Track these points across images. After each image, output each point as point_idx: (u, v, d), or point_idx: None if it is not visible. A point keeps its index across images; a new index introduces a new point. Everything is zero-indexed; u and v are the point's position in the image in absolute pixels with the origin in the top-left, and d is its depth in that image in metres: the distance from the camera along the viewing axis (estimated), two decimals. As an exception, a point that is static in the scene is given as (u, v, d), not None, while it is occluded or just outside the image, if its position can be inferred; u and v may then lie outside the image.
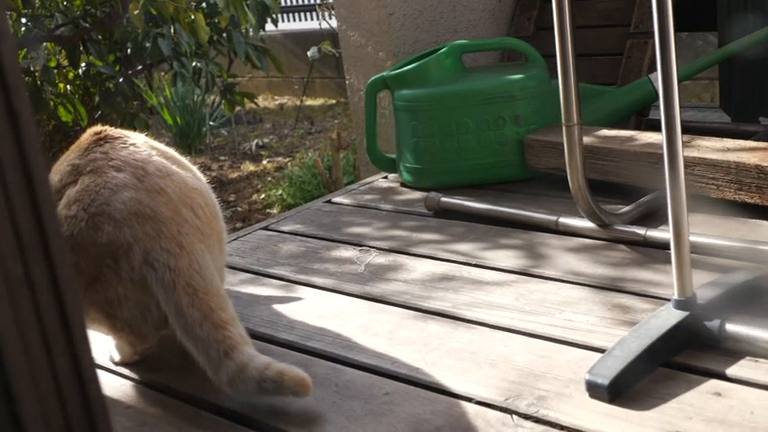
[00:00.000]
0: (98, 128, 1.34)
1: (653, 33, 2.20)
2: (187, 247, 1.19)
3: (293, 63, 6.04)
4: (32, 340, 0.50)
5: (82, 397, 0.54)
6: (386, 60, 2.40)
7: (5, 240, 0.49)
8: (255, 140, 4.88)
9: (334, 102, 5.87)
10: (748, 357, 1.19)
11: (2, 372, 0.47)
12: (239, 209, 3.67)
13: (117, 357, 1.38)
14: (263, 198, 3.79)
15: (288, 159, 4.41)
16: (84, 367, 0.53)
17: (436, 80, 2.12)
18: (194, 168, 1.40)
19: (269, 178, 4.11)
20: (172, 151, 1.39)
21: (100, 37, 3.84)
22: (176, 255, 1.18)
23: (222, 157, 4.71)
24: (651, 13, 2.27)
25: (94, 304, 1.22)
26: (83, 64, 3.84)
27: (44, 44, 3.84)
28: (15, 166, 0.50)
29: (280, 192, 3.69)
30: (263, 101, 5.99)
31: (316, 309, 1.54)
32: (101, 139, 1.29)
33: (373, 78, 2.21)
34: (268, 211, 3.63)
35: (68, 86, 3.97)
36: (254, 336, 1.44)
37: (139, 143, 1.31)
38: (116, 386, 1.33)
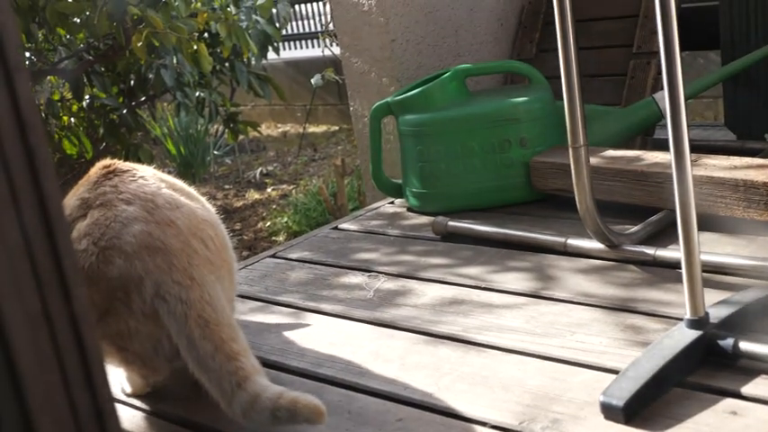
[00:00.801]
0: (107, 161, 1.34)
1: (656, 53, 2.21)
2: (198, 278, 1.19)
3: (295, 90, 6.07)
4: (51, 374, 0.50)
5: (97, 416, 0.53)
6: (389, 86, 2.41)
7: (24, 276, 0.49)
8: (259, 168, 4.89)
9: (336, 128, 5.90)
10: (763, 375, 1.18)
11: (23, 406, 0.47)
12: (245, 237, 3.68)
13: (128, 389, 1.37)
14: (268, 226, 3.79)
15: (292, 187, 4.42)
16: (102, 402, 0.53)
17: (440, 104, 2.13)
18: (203, 199, 1.41)
19: (274, 206, 4.11)
20: (180, 183, 1.39)
21: (103, 69, 3.86)
22: (187, 287, 1.18)
23: (227, 186, 4.72)
24: (653, 33, 2.30)
25: (106, 337, 1.22)
26: (86, 96, 3.87)
27: (48, 77, 3.87)
28: (32, 201, 0.51)
29: (285, 219, 3.70)
30: (265, 129, 6.01)
31: (326, 335, 1.53)
32: (110, 173, 1.29)
33: (377, 104, 2.22)
34: (274, 238, 3.64)
35: (72, 119, 3.99)
36: (265, 364, 1.43)
37: (148, 176, 1.31)
38: (128, 417, 1.33)
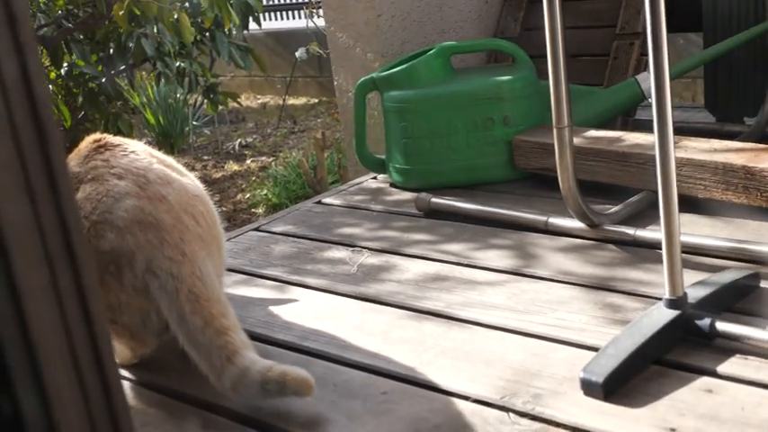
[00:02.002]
0: (97, 135, 1.34)
1: (639, 34, 2.22)
2: (189, 254, 1.20)
3: (275, 62, 6.04)
4: (61, 347, 0.51)
5: (107, 400, 0.55)
6: (374, 61, 2.42)
7: (34, 250, 0.50)
8: (239, 140, 4.87)
9: (316, 101, 5.88)
10: (738, 355, 1.21)
11: (37, 374, 0.48)
12: (224, 208, 3.67)
13: (116, 360, 1.38)
14: (248, 198, 3.79)
15: (272, 159, 4.41)
16: (109, 375, 0.55)
17: (425, 81, 2.14)
18: (191, 175, 1.41)
19: (253, 178, 4.11)
20: (170, 159, 1.39)
21: (82, 37, 3.82)
22: (179, 262, 1.19)
23: (206, 157, 4.70)
24: (637, 14, 2.32)
25: None
26: (65, 64, 3.83)
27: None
28: (42, 175, 0.51)
29: (265, 191, 3.70)
30: (245, 100, 5.98)
31: (310, 309, 1.55)
32: (101, 147, 1.30)
33: (362, 80, 2.23)
34: (253, 210, 3.64)
35: (51, 87, 3.95)
36: (251, 336, 1.44)
37: (139, 150, 1.31)
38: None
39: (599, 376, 1.16)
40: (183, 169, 1.40)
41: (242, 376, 1.14)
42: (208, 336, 1.16)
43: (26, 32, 0.52)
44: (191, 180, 1.37)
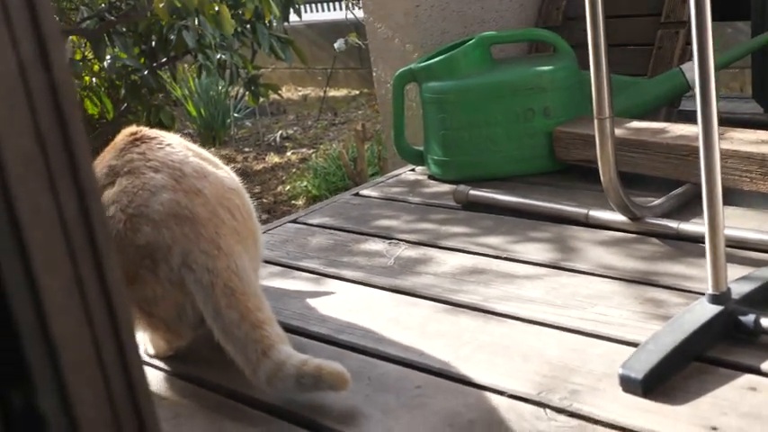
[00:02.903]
0: (133, 128, 1.34)
1: (684, 23, 2.17)
2: (225, 248, 1.20)
3: (316, 54, 6.04)
4: (84, 343, 0.51)
5: (132, 398, 0.54)
6: (413, 52, 2.40)
7: (58, 246, 0.49)
8: (279, 132, 4.88)
9: (357, 92, 5.87)
10: (784, 352, 1.18)
11: (57, 372, 0.48)
12: (265, 200, 3.69)
13: (151, 351, 1.39)
14: (288, 189, 3.80)
15: (312, 151, 4.42)
16: (133, 371, 0.54)
17: (464, 72, 2.12)
18: (227, 168, 1.41)
19: (293, 170, 4.12)
20: (206, 152, 1.39)
21: (125, 29, 3.85)
22: (215, 256, 1.19)
23: (247, 149, 4.72)
24: (682, 2, 2.26)
25: (132, 302, 1.23)
26: (108, 57, 3.86)
27: (70, 37, 3.86)
28: (66, 171, 0.51)
29: (305, 183, 3.70)
30: (286, 92, 6.00)
31: (346, 302, 1.54)
32: (137, 140, 1.30)
33: (401, 71, 2.21)
34: (293, 202, 3.64)
35: (94, 79, 3.99)
36: (286, 329, 1.44)
37: (175, 143, 1.31)
38: (150, 378, 1.34)
39: (639, 372, 1.14)
40: (219, 162, 1.40)
41: (277, 370, 1.13)
42: (243, 330, 1.16)
43: (48, 20, 0.51)
44: (226, 173, 1.36)
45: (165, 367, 1.37)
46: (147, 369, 1.38)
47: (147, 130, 1.33)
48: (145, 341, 1.39)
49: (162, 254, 1.19)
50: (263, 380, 1.15)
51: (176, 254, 1.19)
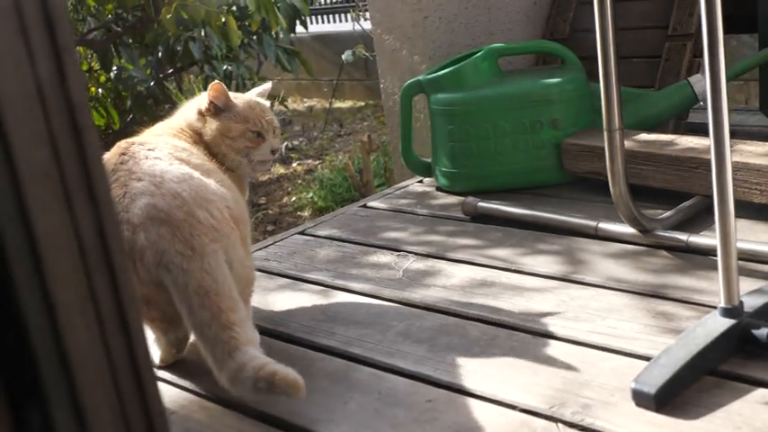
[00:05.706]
0: (123, 142, 1.36)
1: (692, 36, 2.16)
2: (198, 248, 1.21)
3: (322, 65, 6.05)
4: (98, 358, 0.50)
5: (142, 404, 0.54)
6: (421, 64, 2.39)
7: (72, 261, 0.49)
8: (285, 143, 4.88)
9: (363, 104, 5.88)
10: (798, 366, 1.17)
11: (71, 381, 0.47)
12: (270, 211, 3.68)
13: (157, 357, 1.39)
14: (293, 201, 3.79)
15: (318, 162, 4.42)
16: (146, 385, 0.53)
17: (472, 84, 2.11)
18: (224, 176, 1.40)
19: (299, 181, 4.11)
20: (199, 160, 1.38)
21: (131, 41, 3.86)
22: (188, 257, 1.20)
23: (252, 160, 4.72)
24: (690, 15, 2.26)
25: None
26: (114, 68, 3.87)
27: (76, 48, 3.87)
28: (80, 184, 0.50)
29: (311, 194, 3.69)
30: (292, 103, 6.00)
31: (355, 314, 1.53)
32: (124, 154, 1.31)
33: (409, 82, 2.21)
34: (299, 213, 3.64)
35: (100, 90, 4.00)
36: (294, 341, 1.44)
37: (162, 155, 1.32)
38: (161, 392, 1.33)
39: (651, 387, 1.13)
40: (216, 169, 1.40)
41: (238, 372, 1.14)
42: (213, 330, 1.17)
43: (64, 35, 0.51)
44: (219, 179, 1.36)
45: (176, 381, 1.36)
46: (159, 384, 1.37)
47: (135, 143, 1.34)
48: (152, 347, 1.39)
49: (138, 255, 1.21)
50: (225, 380, 1.16)
51: (150, 255, 1.20)
